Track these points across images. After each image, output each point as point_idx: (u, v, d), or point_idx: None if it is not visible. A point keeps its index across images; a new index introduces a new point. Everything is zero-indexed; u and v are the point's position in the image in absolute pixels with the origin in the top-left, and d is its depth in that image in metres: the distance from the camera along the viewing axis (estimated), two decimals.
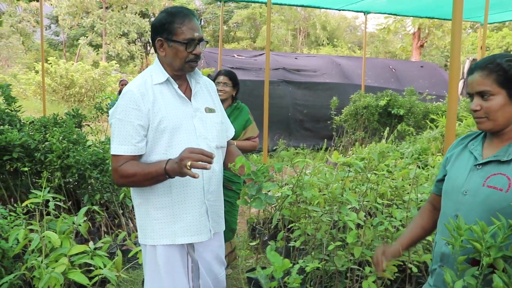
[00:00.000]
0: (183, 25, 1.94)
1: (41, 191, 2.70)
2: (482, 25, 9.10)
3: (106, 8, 30.64)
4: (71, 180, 4.04)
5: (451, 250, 1.46)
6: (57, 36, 35.75)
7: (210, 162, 1.76)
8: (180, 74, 2.03)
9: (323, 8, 8.83)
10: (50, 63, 14.38)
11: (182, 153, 1.78)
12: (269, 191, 1.78)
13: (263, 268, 3.58)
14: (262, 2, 8.27)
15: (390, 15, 15.22)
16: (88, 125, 5.28)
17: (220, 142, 2.09)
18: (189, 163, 1.73)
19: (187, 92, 2.07)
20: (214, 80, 4.70)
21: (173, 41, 1.95)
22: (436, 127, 7.32)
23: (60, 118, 4.57)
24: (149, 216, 2.01)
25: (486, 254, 1.27)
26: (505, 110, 1.54)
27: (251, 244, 4.40)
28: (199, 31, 1.97)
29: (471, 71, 1.60)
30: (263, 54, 12.13)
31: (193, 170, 1.75)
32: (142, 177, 1.89)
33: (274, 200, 1.79)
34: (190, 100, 2.04)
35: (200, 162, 1.75)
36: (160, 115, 1.93)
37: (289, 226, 3.40)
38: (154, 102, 1.94)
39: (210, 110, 2.09)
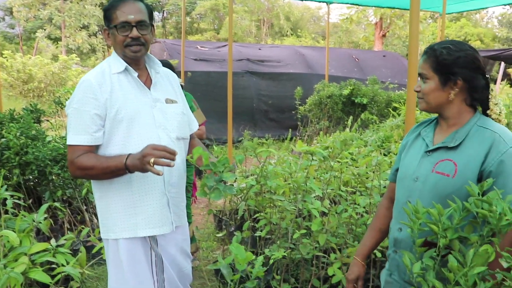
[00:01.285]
0: (117, 9, 1.92)
1: None
2: (441, 15, 9.33)
3: None
4: (31, 177, 3.91)
5: (407, 235, 1.51)
6: (12, 28, 34.49)
7: (173, 159, 1.75)
8: (131, 62, 1.98)
9: None
10: (6, 57, 13.87)
11: (144, 149, 1.76)
12: (230, 182, 1.77)
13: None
14: None
15: (353, 5, 15.40)
16: (48, 121, 5.12)
17: (181, 133, 2.06)
18: (152, 160, 1.71)
19: (147, 82, 2.04)
20: None
21: (110, 27, 1.95)
22: (399, 115, 7.47)
23: (17, 114, 4.42)
24: (110, 209, 1.98)
25: (443, 236, 1.31)
26: (436, 94, 1.62)
27: (217, 235, 4.40)
28: (136, 13, 1.91)
29: (422, 55, 1.69)
30: (227, 45, 12.04)
31: (156, 167, 1.73)
32: (100, 170, 1.86)
33: (233, 191, 1.78)
34: (150, 90, 2.01)
35: (163, 160, 1.73)
36: (118, 105, 1.90)
37: (254, 216, 3.41)
38: (112, 91, 1.91)
39: (171, 101, 2.06)
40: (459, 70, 1.59)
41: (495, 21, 37.53)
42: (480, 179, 1.52)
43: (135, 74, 1.98)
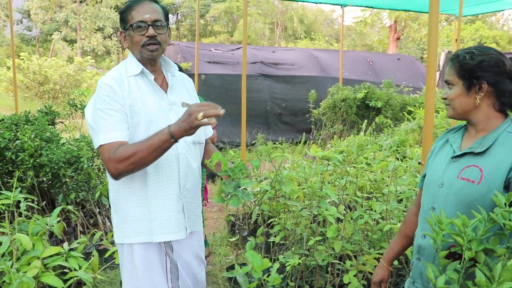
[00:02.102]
0: (133, 10, 1.91)
1: (12, 191, 2.60)
2: (457, 18, 9.21)
3: (80, 2, 30.03)
4: (44, 179, 3.92)
5: (430, 243, 1.47)
6: (30, 31, 34.91)
7: (216, 114, 1.67)
8: (148, 63, 1.96)
9: (300, 1, 8.80)
10: (22, 59, 14.02)
11: (188, 110, 1.70)
12: (247, 188, 1.74)
13: (242, 265, 3.55)
14: None
15: (367, 8, 15.30)
16: (62, 123, 5.14)
17: (197, 137, 2.03)
18: (201, 114, 1.64)
19: (163, 85, 2.02)
20: None
21: (126, 29, 1.93)
22: (414, 119, 7.38)
23: (32, 116, 4.44)
24: (125, 213, 1.95)
25: (468, 248, 1.26)
26: (462, 99, 1.60)
27: (230, 240, 4.36)
28: (152, 13, 1.90)
29: (449, 61, 1.67)
30: (240, 48, 12.04)
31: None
32: (145, 151, 1.75)
33: (251, 197, 1.74)
34: (166, 93, 1.99)
35: (212, 110, 1.66)
36: (136, 107, 1.87)
37: (269, 222, 3.37)
38: (130, 93, 1.88)
39: (187, 105, 2.03)
40: (483, 74, 1.55)
41: (511, 24, 37.06)
42: (507, 186, 1.47)
43: (152, 77, 1.96)
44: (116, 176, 1.83)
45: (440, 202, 1.60)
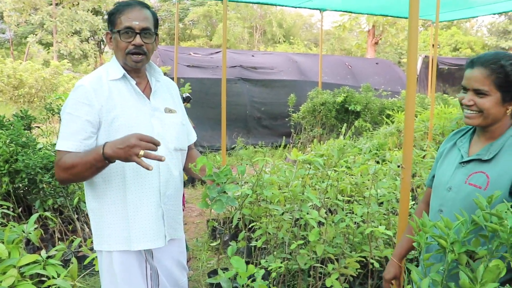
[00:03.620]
0: (122, 14, 1.86)
1: None
2: (434, 23, 9.37)
3: (56, 4, 29.54)
4: (20, 185, 3.83)
5: (416, 247, 1.47)
6: (3, 33, 34.16)
7: (155, 150, 1.65)
8: (131, 69, 1.92)
9: (279, 5, 8.82)
10: None
11: (127, 138, 1.63)
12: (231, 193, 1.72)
13: (224, 270, 3.52)
14: (218, 0, 8.17)
15: (346, 13, 15.46)
16: (39, 127, 5.04)
17: (179, 144, 2.01)
18: (142, 152, 1.60)
19: (146, 90, 1.98)
20: None
21: (113, 32, 1.89)
22: (392, 122, 7.47)
23: (7, 120, 4.34)
24: (103, 221, 1.91)
25: (451, 250, 1.27)
26: (496, 109, 1.58)
27: (211, 244, 4.33)
28: (141, 20, 1.85)
29: (471, 64, 1.60)
30: (220, 52, 12.02)
31: (146, 161, 1.64)
32: (82, 166, 1.74)
33: (236, 203, 1.73)
34: (149, 99, 1.95)
35: (153, 153, 1.63)
36: (115, 112, 1.83)
37: (250, 226, 3.36)
38: (109, 98, 1.84)
39: (170, 111, 2.00)
40: None
41: (484, 30, 37.91)
42: None
43: (133, 81, 1.92)
44: (60, 182, 1.87)
45: (448, 205, 1.65)
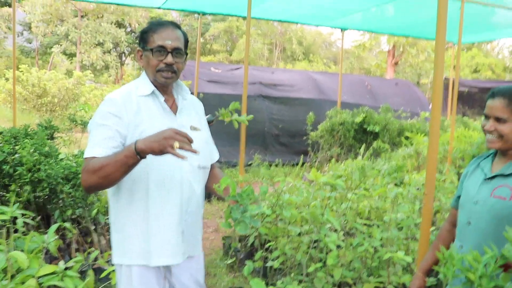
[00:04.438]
0: (156, 33, 1.90)
1: (8, 206, 2.56)
2: (455, 45, 9.32)
3: (82, 16, 30.21)
4: (41, 194, 3.87)
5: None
6: (30, 43, 35.00)
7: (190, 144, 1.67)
8: (160, 86, 1.95)
9: (301, 23, 8.89)
10: (22, 71, 14.02)
11: (163, 131, 1.65)
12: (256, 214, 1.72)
13: None
14: (241, 16, 8.27)
15: (366, 32, 15.47)
16: (61, 137, 5.11)
17: (203, 162, 2.02)
18: (177, 144, 1.61)
19: (173, 107, 2.01)
20: None
21: (145, 49, 1.92)
22: (411, 144, 7.40)
23: (32, 129, 4.41)
24: (124, 234, 1.92)
25: (479, 285, 1.24)
26: None
27: (226, 262, 4.31)
28: (174, 40, 1.90)
29: (492, 95, 1.84)
30: (240, 68, 12.11)
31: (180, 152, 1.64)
32: (112, 166, 1.71)
33: (259, 223, 1.73)
34: (175, 116, 1.98)
35: (188, 146, 1.64)
36: (143, 127, 1.86)
37: (267, 246, 3.33)
38: (137, 113, 1.87)
39: (195, 129, 2.02)
40: None
41: (506, 52, 37.55)
42: None
43: (162, 98, 1.95)
44: (86, 189, 1.80)
45: (475, 218, 1.83)
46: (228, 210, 1.70)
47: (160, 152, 1.65)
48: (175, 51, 1.90)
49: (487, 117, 1.84)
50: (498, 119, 1.79)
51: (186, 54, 1.98)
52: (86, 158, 1.80)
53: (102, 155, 1.77)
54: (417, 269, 2.14)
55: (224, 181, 1.72)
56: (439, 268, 1.35)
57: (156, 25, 1.93)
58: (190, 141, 1.66)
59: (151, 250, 1.90)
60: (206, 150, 2.06)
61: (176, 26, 1.97)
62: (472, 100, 17.27)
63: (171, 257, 1.93)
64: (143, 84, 1.95)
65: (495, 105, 1.80)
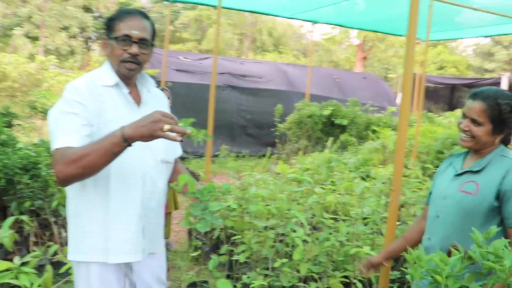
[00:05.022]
0: (122, 22, 1.81)
1: None
2: (423, 41, 9.46)
3: None
4: None
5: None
6: None
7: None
8: (123, 77, 1.86)
9: (273, 15, 8.81)
10: None
11: (151, 114, 1.57)
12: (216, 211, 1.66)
13: (203, 283, 3.45)
14: (211, 6, 8.14)
15: (337, 26, 15.56)
16: (20, 125, 4.91)
17: (166, 156, 1.95)
18: (167, 127, 1.53)
19: (136, 99, 1.92)
20: None
21: (110, 38, 1.83)
22: (378, 138, 7.48)
23: None
24: (82, 230, 1.83)
25: (445, 286, 1.23)
26: (487, 138, 1.88)
27: (191, 255, 4.25)
28: (140, 30, 1.81)
29: (473, 96, 1.89)
30: (209, 57, 11.96)
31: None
32: (95, 154, 1.59)
33: (220, 221, 1.67)
34: (139, 108, 1.89)
35: (178, 127, 1.56)
36: (107, 117, 1.77)
37: (232, 239, 3.29)
38: (102, 103, 1.78)
39: None
40: None
41: (469, 50, 38.56)
42: (497, 197, 1.80)
43: (126, 90, 1.86)
44: (62, 181, 1.67)
45: (444, 211, 1.93)
46: (188, 207, 1.64)
47: (150, 136, 1.56)
48: (141, 42, 1.81)
49: (464, 116, 1.91)
50: (474, 121, 1.86)
51: (153, 45, 1.89)
52: (58, 148, 1.67)
53: (77, 144, 1.66)
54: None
55: (183, 178, 1.65)
56: (405, 269, 1.34)
57: (123, 13, 1.84)
58: (176, 122, 1.58)
59: (109, 246, 1.82)
60: (170, 144, 1.98)
61: (144, 16, 1.88)
62: (437, 95, 17.67)
63: (130, 254, 1.85)
64: (107, 74, 1.86)
65: (473, 107, 1.86)
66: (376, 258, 2.28)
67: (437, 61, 30.79)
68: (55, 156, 1.68)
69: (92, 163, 1.60)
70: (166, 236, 4.50)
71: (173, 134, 1.56)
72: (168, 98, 4.96)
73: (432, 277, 1.25)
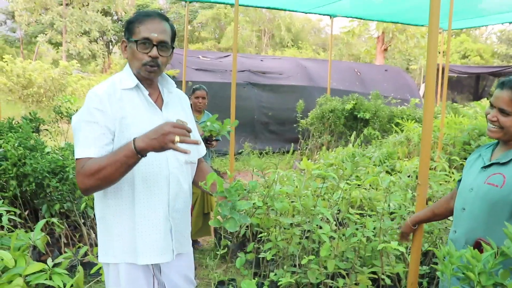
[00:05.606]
0: (142, 24, 1.81)
1: None
2: (444, 31, 9.29)
3: (67, 5, 29.69)
4: (27, 189, 3.80)
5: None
6: (14, 32, 34.43)
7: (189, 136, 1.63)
8: (144, 80, 1.88)
9: (290, 10, 8.78)
10: (6, 61, 13.75)
11: (161, 126, 1.59)
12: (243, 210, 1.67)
13: (231, 280, 3.47)
14: (229, 4, 8.14)
15: (356, 19, 15.40)
16: (47, 130, 5.01)
17: (190, 156, 1.95)
18: (177, 139, 1.55)
19: (158, 101, 1.93)
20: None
21: (130, 41, 1.84)
22: (402, 131, 7.38)
23: (16, 122, 4.31)
24: (111, 231, 1.86)
25: (478, 283, 1.21)
26: None
27: (218, 253, 4.27)
28: (160, 33, 1.81)
29: (501, 85, 1.86)
30: (229, 55, 11.99)
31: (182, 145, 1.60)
32: (111, 167, 1.64)
33: (249, 220, 1.68)
34: (161, 110, 1.91)
35: (189, 138, 1.59)
36: (127, 122, 1.79)
37: (259, 237, 3.29)
38: (122, 107, 1.80)
39: (182, 123, 1.95)
40: None
41: (494, 37, 37.69)
42: None
43: (146, 92, 1.87)
44: (85, 191, 1.73)
45: (469, 204, 1.90)
46: (216, 207, 1.65)
47: (161, 149, 1.59)
48: (161, 45, 1.82)
49: (492, 106, 1.87)
50: (502, 111, 1.82)
51: (173, 48, 1.90)
52: (79, 159, 1.72)
53: (96, 155, 1.71)
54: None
55: (211, 177, 1.66)
56: (436, 266, 1.32)
57: (143, 16, 1.84)
58: (189, 131, 1.60)
59: (138, 248, 1.84)
60: (193, 145, 2.00)
61: (164, 18, 1.88)
62: (461, 85, 17.32)
63: (159, 256, 1.87)
64: (127, 77, 1.87)
65: (502, 96, 1.82)
66: (405, 227, 2.40)
67: (460, 50, 30.20)
68: (77, 167, 1.73)
69: (109, 175, 1.66)
70: (207, 235, 4.66)
71: (184, 146, 1.58)
72: (204, 98, 5.03)
73: (464, 273, 1.23)
